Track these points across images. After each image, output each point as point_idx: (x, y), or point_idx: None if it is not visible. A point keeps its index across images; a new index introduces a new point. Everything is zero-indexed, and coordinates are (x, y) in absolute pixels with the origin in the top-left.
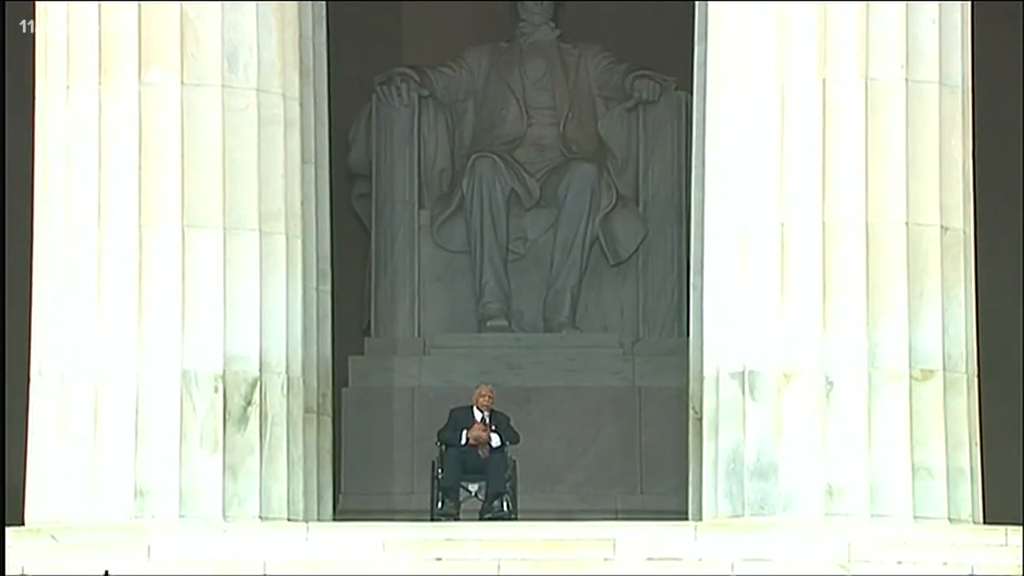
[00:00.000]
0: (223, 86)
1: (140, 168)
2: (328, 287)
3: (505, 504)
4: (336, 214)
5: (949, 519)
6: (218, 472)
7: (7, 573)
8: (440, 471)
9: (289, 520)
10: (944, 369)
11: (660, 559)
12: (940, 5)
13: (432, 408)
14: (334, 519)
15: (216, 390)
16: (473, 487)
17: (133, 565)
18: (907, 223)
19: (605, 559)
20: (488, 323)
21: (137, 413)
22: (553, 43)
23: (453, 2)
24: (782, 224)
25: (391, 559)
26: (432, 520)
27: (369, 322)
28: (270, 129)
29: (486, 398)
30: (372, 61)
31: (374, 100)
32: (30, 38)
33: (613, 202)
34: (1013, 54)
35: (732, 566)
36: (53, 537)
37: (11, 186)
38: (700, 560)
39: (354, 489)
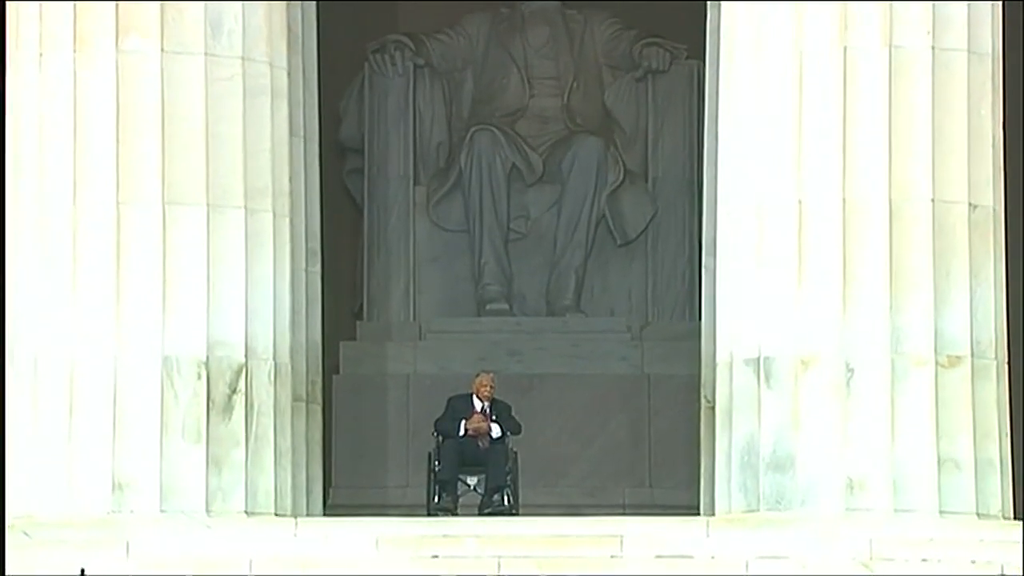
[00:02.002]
0: (206, 54)
1: (118, 141)
2: (318, 268)
3: (506, 498)
4: (326, 191)
5: (977, 514)
6: (201, 464)
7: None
8: (437, 463)
9: (276, 515)
10: (972, 355)
11: (670, 557)
12: None
13: (428, 397)
14: (324, 514)
15: (199, 377)
16: (472, 480)
17: (111, 563)
18: (933, 200)
19: (612, 557)
20: (488, 307)
21: (115, 402)
22: (557, 9)
23: None
24: (800, 201)
25: (385, 557)
26: (428, 515)
27: (361, 305)
28: (256, 100)
29: (486, 387)
30: (365, 28)
31: (367, 69)
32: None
33: (620, 178)
34: None
35: (746, 565)
36: (26, 534)
37: None
38: (712, 558)
39: (345, 482)
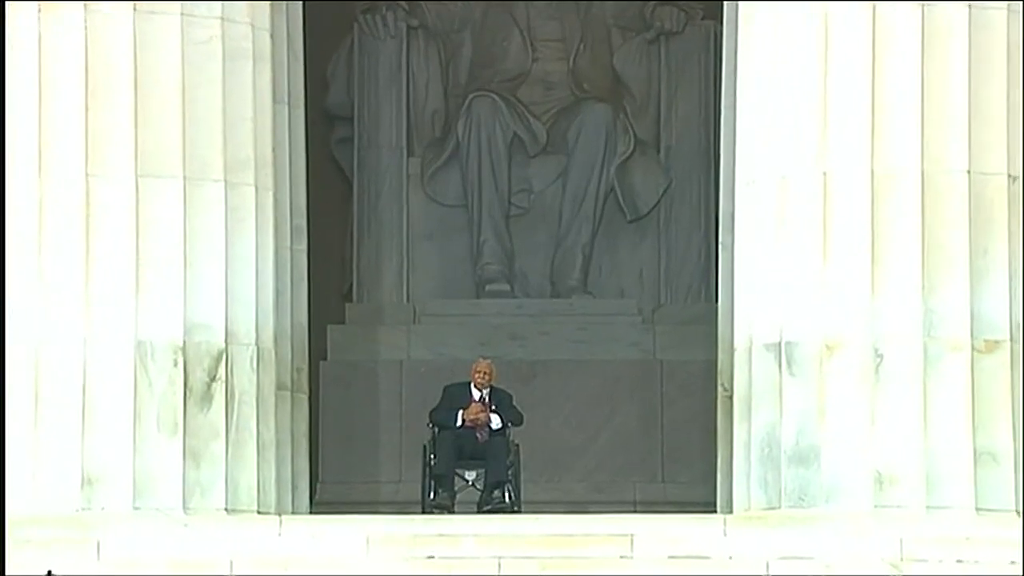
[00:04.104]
0: (183, 14)
1: (86, 109)
2: (304, 246)
3: (507, 494)
4: (313, 162)
5: (1017, 511)
6: (178, 458)
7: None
8: (432, 457)
9: (259, 513)
10: (1011, 339)
11: (684, 557)
12: None
13: (423, 385)
14: (311, 512)
15: (175, 364)
16: (470, 475)
17: (80, 564)
18: (969, 171)
19: (621, 557)
20: (487, 287)
21: (84, 390)
22: None
23: None
24: (825, 173)
25: (376, 557)
26: (423, 513)
27: (351, 286)
28: (237, 64)
29: (481, 373)
30: None
31: (356, 31)
32: None
33: (631, 148)
34: None
35: (767, 565)
36: None
37: None
38: (730, 559)
39: (333, 477)
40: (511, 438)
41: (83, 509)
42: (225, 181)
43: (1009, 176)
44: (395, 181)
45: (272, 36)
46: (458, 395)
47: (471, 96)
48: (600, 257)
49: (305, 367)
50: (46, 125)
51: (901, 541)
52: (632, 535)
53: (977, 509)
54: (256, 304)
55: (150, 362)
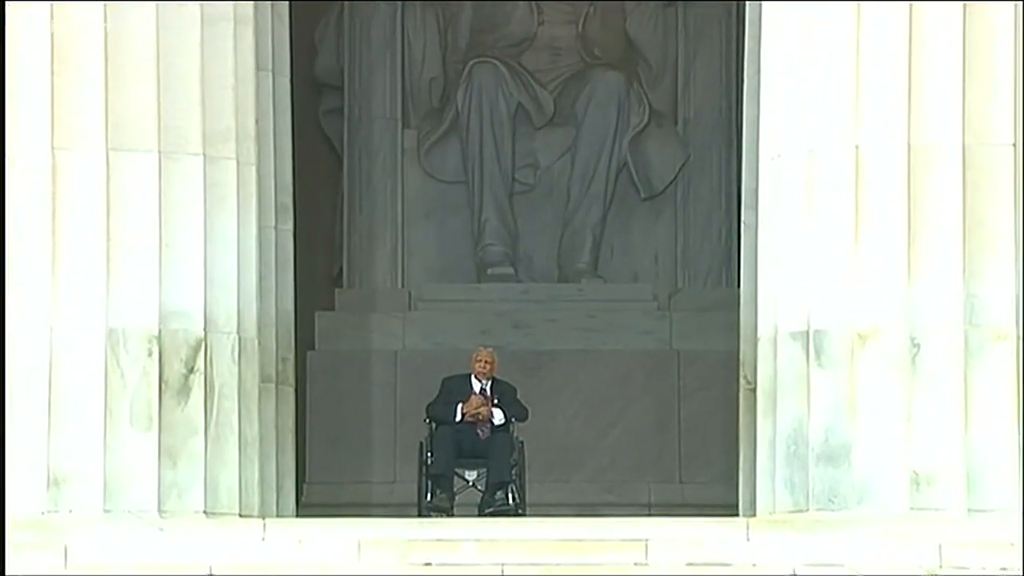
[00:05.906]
0: None
1: (52, 75)
2: (289, 226)
3: (510, 496)
4: (300, 134)
5: None
6: (152, 456)
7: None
8: (429, 455)
9: (241, 516)
10: None
11: (704, 564)
12: None
13: (419, 377)
14: (297, 514)
15: (150, 354)
16: (471, 475)
17: (46, 570)
18: (1014, 145)
19: (635, 564)
20: (489, 271)
21: (50, 382)
22: None
23: None
24: (857, 146)
25: (368, 563)
26: (420, 516)
27: (341, 270)
28: (217, 28)
29: (482, 362)
30: None
31: None
32: None
33: (645, 120)
34: None
35: (793, 571)
36: None
37: None
38: (753, 565)
39: (322, 477)
40: (515, 434)
41: (49, 511)
42: (204, 155)
43: None
44: (389, 155)
45: None
46: (457, 388)
47: (471, 63)
48: (612, 238)
49: (291, 357)
50: (10, 94)
51: (939, 546)
52: (647, 540)
53: (1023, 512)
54: (238, 289)
55: (122, 352)
